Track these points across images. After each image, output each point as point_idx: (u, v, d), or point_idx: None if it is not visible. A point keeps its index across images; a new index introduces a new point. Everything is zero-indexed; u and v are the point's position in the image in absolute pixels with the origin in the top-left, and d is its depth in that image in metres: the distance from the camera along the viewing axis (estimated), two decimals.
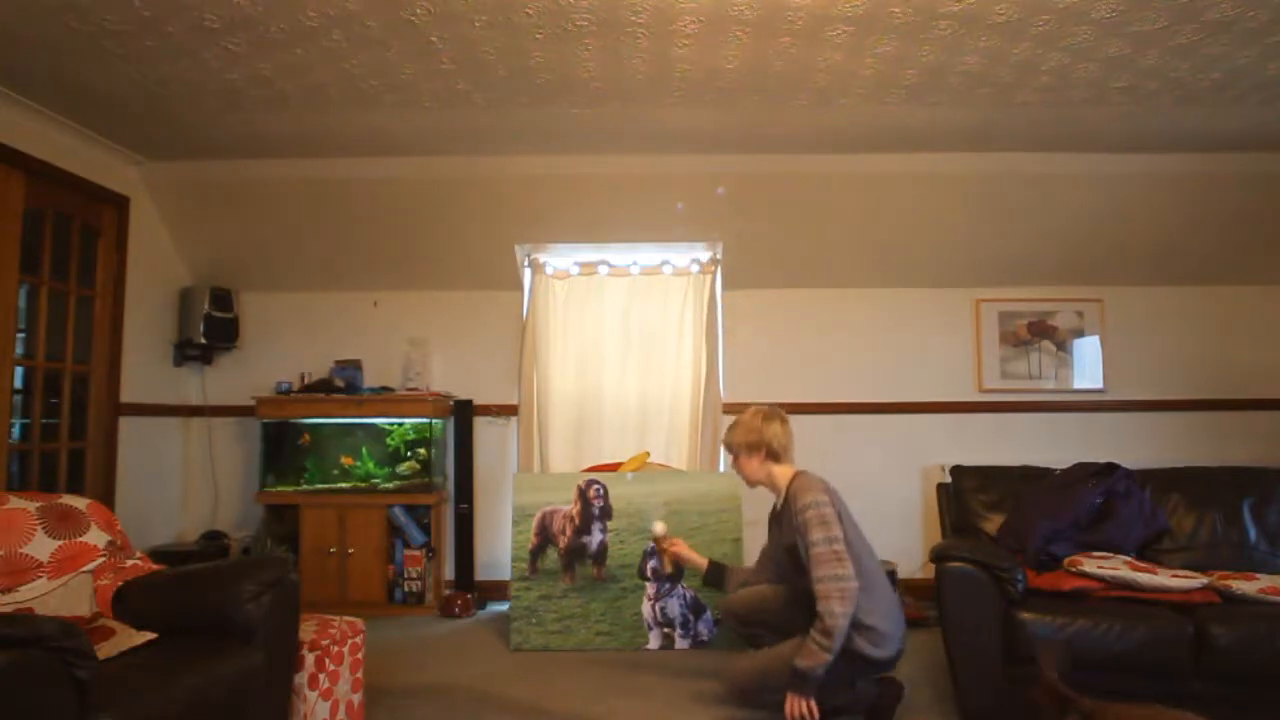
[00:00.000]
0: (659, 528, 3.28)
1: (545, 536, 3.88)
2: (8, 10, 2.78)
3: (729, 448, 2.93)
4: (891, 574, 3.51)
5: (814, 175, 4.30)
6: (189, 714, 1.99)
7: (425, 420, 4.70)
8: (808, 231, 4.63)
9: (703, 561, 3.18)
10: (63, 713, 1.70)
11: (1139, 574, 2.83)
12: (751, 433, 2.84)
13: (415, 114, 3.70)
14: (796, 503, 2.66)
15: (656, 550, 3.25)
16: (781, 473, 2.83)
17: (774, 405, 2.94)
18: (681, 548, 3.23)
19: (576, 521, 3.87)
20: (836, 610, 2.50)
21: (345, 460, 4.74)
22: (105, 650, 2.08)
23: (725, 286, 4.79)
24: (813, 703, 2.55)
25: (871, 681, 2.75)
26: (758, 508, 4.12)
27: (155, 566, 2.63)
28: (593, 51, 3.12)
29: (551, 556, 3.87)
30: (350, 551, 4.43)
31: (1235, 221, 4.53)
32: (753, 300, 4.84)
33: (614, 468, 4.15)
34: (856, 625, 2.56)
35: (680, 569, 3.79)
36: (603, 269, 4.85)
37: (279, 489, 4.63)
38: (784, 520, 2.80)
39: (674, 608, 3.76)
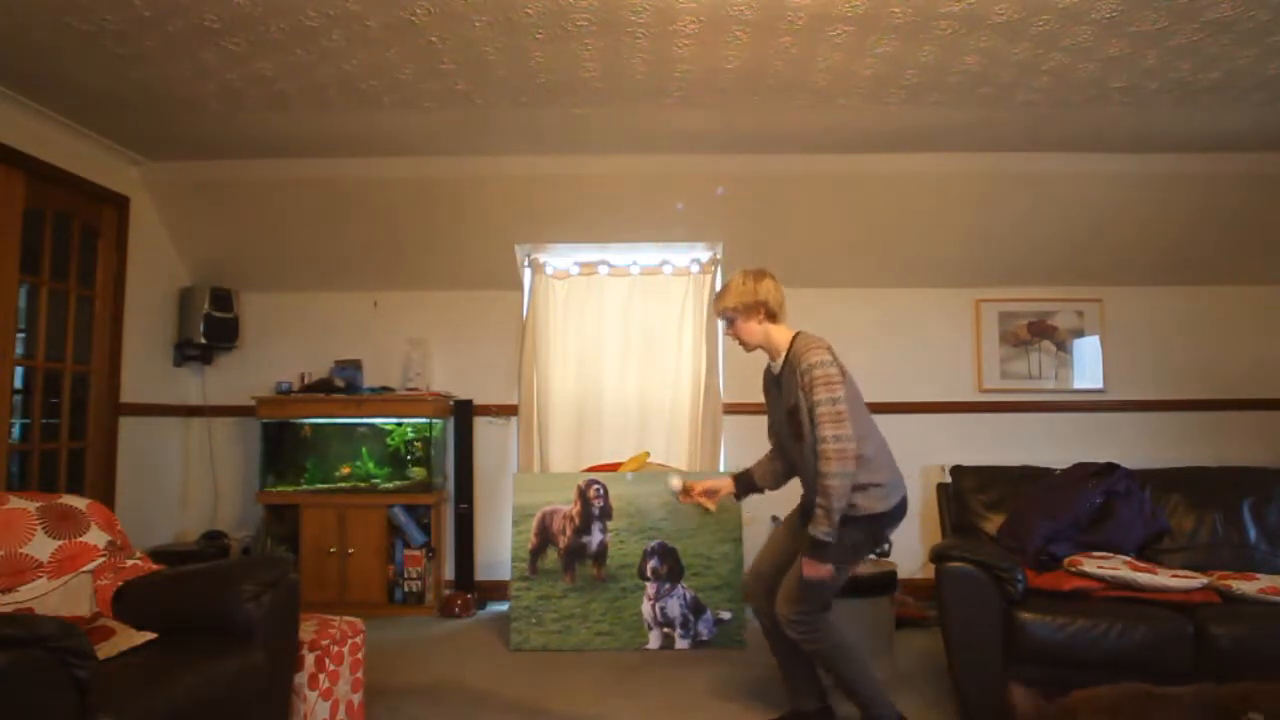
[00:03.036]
0: (676, 483, 3.03)
1: (545, 536, 3.88)
2: (8, 10, 2.78)
3: (724, 314, 2.78)
4: (891, 574, 3.50)
5: (814, 175, 4.30)
6: (189, 714, 1.99)
7: (425, 420, 4.70)
8: (808, 231, 4.63)
9: (728, 481, 3.02)
10: (63, 713, 1.70)
11: (1139, 574, 2.83)
12: (746, 294, 2.72)
13: (415, 114, 3.70)
14: (801, 363, 2.61)
15: (683, 499, 3.05)
16: (779, 333, 2.75)
17: (759, 267, 2.81)
18: (706, 485, 3.02)
19: (576, 521, 3.87)
20: (835, 470, 2.51)
21: (344, 469, 4.74)
22: (105, 650, 2.08)
23: None
24: (829, 567, 2.56)
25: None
26: (758, 507, 4.11)
27: (155, 566, 2.63)
28: (593, 51, 3.12)
29: (551, 556, 3.87)
30: (350, 551, 4.43)
31: (1235, 221, 4.52)
32: None
33: (614, 468, 4.15)
34: (859, 486, 2.58)
35: (679, 566, 3.79)
36: (603, 269, 4.85)
37: (279, 489, 4.63)
38: (785, 382, 2.73)
39: (674, 608, 3.77)
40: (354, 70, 3.26)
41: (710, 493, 2.98)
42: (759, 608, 2.87)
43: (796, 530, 2.83)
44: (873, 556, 2.95)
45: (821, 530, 2.54)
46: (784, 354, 2.72)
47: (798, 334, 2.73)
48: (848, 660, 2.64)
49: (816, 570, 2.56)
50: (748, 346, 2.81)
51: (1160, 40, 3.00)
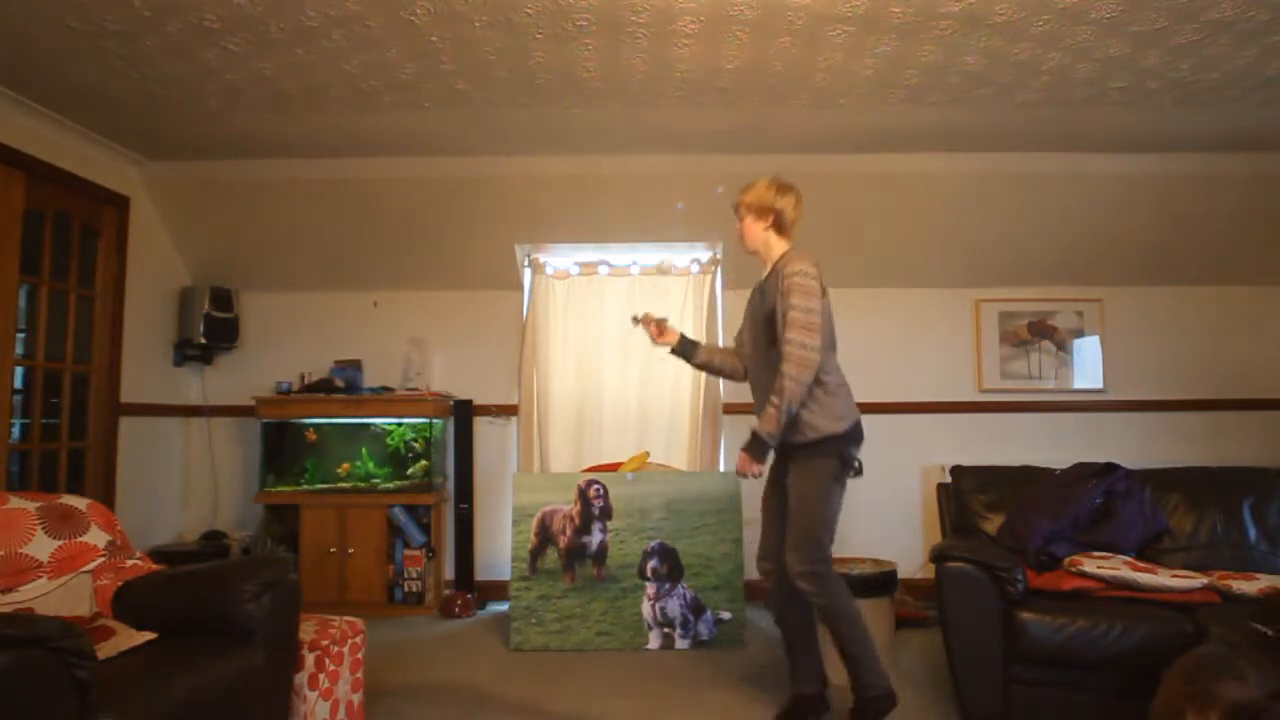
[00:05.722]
0: (639, 314, 3.10)
1: (545, 536, 3.88)
2: (8, 10, 2.78)
3: (737, 208, 2.90)
4: (891, 574, 3.50)
5: (814, 175, 4.27)
6: (189, 714, 1.99)
7: (425, 420, 4.70)
8: (807, 231, 4.57)
9: (676, 336, 3.12)
10: (63, 713, 1.70)
11: (1139, 574, 2.83)
12: (764, 198, 2.83)
13: (415, 114, 3.70)
14: (786, 268, 2.69)
15: (645, 325, 3.11)
16: (778, 244, 2.85)
17: (789, 181, 2.90)
18: (662, 323, 3.12)
19: (576, 521, 3.87)
20: (793, 373, 2.59)
21: (344, 469, 4.74)
22: (105, 650, 2.08)
23: (725, 286, 4.79)
24: (761, 466, 2.69)
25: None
26: (757, 507, 4.11)
27: (155, 566, 2.63)
28: (593, 51, 3.12)
29: (551, 556, 3.87)
30: (350, 551, 4.43)
31: (1235, 221, 4.52)
32: None
33: (614, 468, 4.15)
34: (813, 398, 2.66)
35: (679, 566, 3.79)
36: (603, 269, 4.85)
37: (279, 489, 4.63)
38: (768, 288, 2.81)
39: (674, 608, 3.76)
40: (354, 70, 3.26)
41: (661, 329, 3.10)
42: (772, 585, 2.89)
43: (778, 490, 2.86)
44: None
45: (768, 429, 2.63)
46: (774, 262, 2.81)
47: (793, 247, 2.83)
48: (852, 624, 2.68)
49: (747, 465, 2.67)
50: (746, 247, 2.91)
51: (1160, 40, 3.00)
